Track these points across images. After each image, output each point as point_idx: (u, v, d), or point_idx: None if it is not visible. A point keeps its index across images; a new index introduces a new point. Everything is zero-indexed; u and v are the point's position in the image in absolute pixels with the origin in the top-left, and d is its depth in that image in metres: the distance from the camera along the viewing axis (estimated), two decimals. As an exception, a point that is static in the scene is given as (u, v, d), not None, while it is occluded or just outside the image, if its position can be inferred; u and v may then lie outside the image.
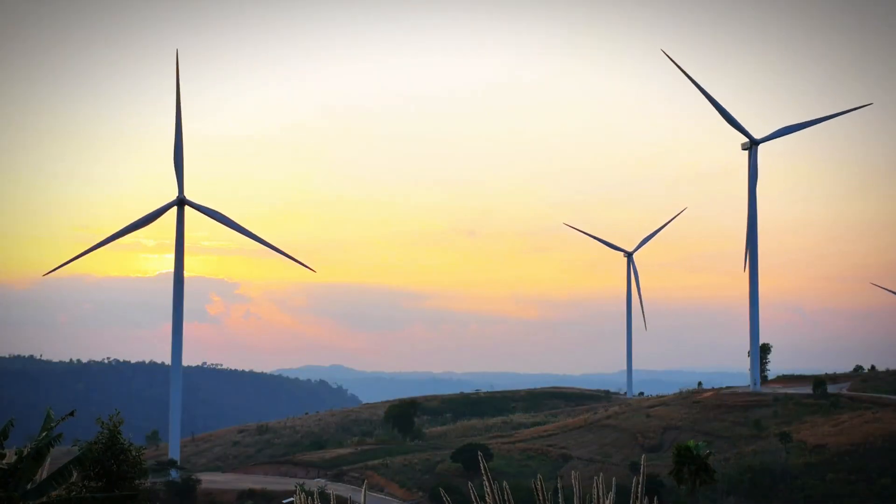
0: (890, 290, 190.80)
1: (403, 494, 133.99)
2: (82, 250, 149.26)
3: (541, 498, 27.62)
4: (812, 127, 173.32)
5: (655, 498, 31.05)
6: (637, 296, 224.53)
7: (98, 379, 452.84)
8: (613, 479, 28.70)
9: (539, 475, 29.40)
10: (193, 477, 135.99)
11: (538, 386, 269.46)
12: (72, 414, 39.45)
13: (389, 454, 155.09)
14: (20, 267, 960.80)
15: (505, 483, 28.56)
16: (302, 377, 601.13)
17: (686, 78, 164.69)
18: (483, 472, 27.27)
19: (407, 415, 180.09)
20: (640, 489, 27.95)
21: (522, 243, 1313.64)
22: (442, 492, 32.34)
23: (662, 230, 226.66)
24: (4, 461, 37.98)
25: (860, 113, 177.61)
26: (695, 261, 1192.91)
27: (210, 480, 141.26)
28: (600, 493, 27.53)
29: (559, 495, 29.62)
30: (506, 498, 27.79)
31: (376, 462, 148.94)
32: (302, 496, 30.38)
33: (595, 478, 28.08)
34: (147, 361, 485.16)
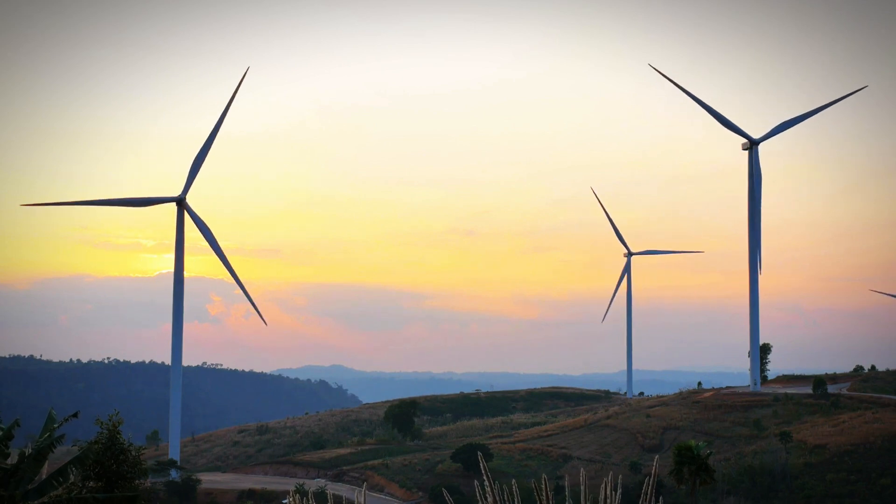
0: (890, 294, 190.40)
1: (403, 494, 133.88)
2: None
3: (541, 498, 27.55)
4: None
5: (660, 499, 30.99)
6: (671, 252, 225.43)
7: (98, 379, 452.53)
8: (620, 477, 28.65)
9: (543, 475, 29.36)
10: (193, 477, 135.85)
11: (538, 386, 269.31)
12: (75, 415, 39.46)
13: (389, 454, 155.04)
14: (20, 267, 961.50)
15: (514, 482, 28.52)
16: (302, 377, 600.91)
17: (678, 88, 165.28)
18: (483, 472, 27.20)
19: (407, 415, 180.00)
20: (651, 489, 27.88)
21: (522, 243, 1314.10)
22: (445, 493, 32.30)
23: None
24: (9, 461, 37.99)
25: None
26: (695, 261, 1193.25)
27: (210, 480, 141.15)
28: (608, 493, 27.44)
29: (565, 492, 29.55)
30: (507, 498, 27.72)
31: (376, 462, 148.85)
32: (296, 497, 30.32)
33: (605, 478, 27.98)
34: (147, 361, 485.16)
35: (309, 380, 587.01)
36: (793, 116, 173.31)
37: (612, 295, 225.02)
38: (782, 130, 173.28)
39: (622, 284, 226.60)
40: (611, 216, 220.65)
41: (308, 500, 29.92)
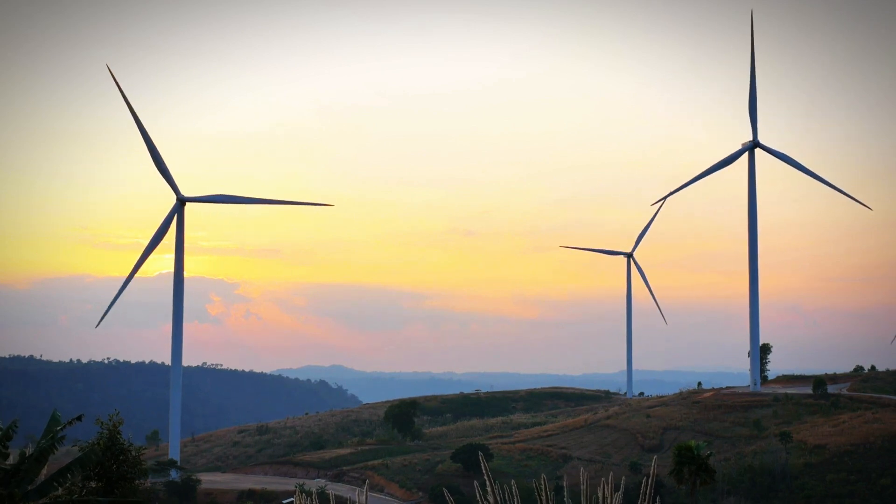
0: None
1: (403, 494, 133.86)
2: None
3: (541, 498, 27.52)
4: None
5: (658, 499, 30.96)
6: (650, 293, 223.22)
7: (98, 379, 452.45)
8: (623, 478, 28.61)
9: (543, 475, 29.33)
10: (193, 477, 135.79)
11: (538, 386, 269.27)
12: (79, 419, 39.45)
13: (389, 454, 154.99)
14: (20, 267, 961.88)
15: (513, 481, 28.49)
16: (302, 377, 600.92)
17: (750, 45, 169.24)
18: (484, 472, 27.18)
19: (407, 415, 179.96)
20: (649, 490, 27.84)
21: (522, 243, 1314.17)
22: (445, 492, 32.29)
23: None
24: (8, 461, 37.94)
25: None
26: (695, 261, 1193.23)
27: (210, 480, 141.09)
28: (608, 493, 27.41)
29: (564, 492, 29.52)
30: (507, 498, 27.71)
31: (376, 462, 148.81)
32: (302, 497, 30.32)
33: (603, 479, 27.96)
34: (147, 361, 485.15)
35: (309, 380, 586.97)
36: (805, 166, 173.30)
37: (593, 249, 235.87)
38: (786, 162, 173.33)
39: (605, 255, 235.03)
40: (654, 220, 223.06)
41: (313, 500, 29.92)
